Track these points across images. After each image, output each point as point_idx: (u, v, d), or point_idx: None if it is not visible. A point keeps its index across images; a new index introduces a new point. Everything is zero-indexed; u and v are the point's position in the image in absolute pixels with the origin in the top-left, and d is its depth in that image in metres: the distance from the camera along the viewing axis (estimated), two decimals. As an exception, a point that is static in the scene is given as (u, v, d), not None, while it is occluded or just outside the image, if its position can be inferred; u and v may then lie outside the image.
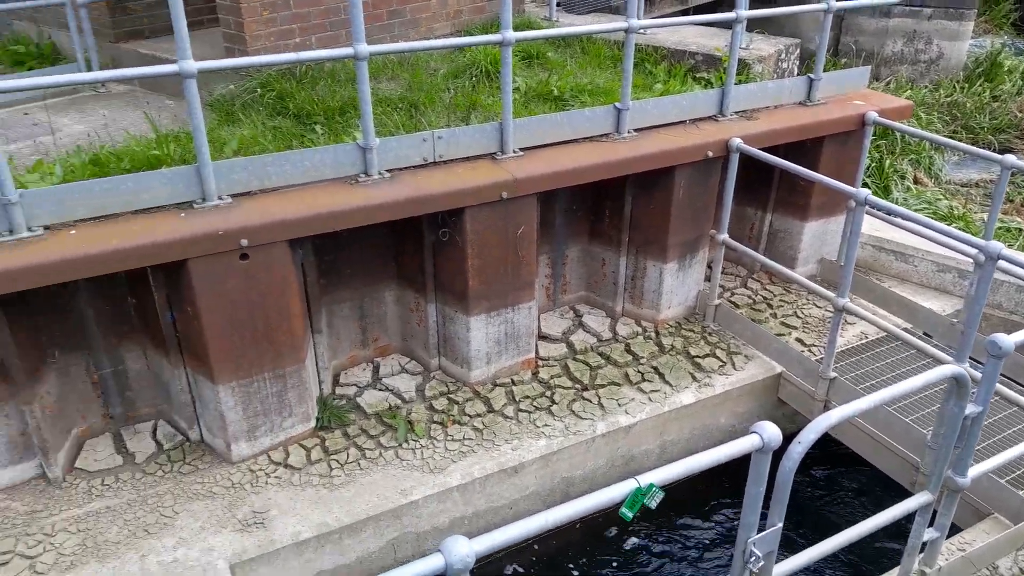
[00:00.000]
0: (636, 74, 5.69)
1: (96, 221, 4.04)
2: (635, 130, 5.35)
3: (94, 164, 4.48)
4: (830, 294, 5.06)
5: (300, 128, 5.13)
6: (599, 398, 5.26)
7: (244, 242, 4.10)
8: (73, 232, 3.92)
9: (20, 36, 7.60)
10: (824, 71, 5.98)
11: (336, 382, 5.35)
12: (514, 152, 4.91)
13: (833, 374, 5.11)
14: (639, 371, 5.52)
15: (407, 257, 5.13)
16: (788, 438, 2.72)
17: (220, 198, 4.23)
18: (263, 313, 4.38)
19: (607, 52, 6.89)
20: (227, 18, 5.65)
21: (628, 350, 5.70)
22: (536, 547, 5.12)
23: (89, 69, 6.20)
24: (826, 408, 5.18)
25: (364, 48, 4.17)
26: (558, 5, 8.11)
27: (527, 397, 5.27)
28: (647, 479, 2.48)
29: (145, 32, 6.76)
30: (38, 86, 3.87)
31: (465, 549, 2.12)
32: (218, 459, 4.75)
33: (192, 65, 3.77)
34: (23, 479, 4.53)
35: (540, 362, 5.57)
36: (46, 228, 3.92)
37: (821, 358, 5.30)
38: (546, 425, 5.06)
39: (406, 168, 4.71)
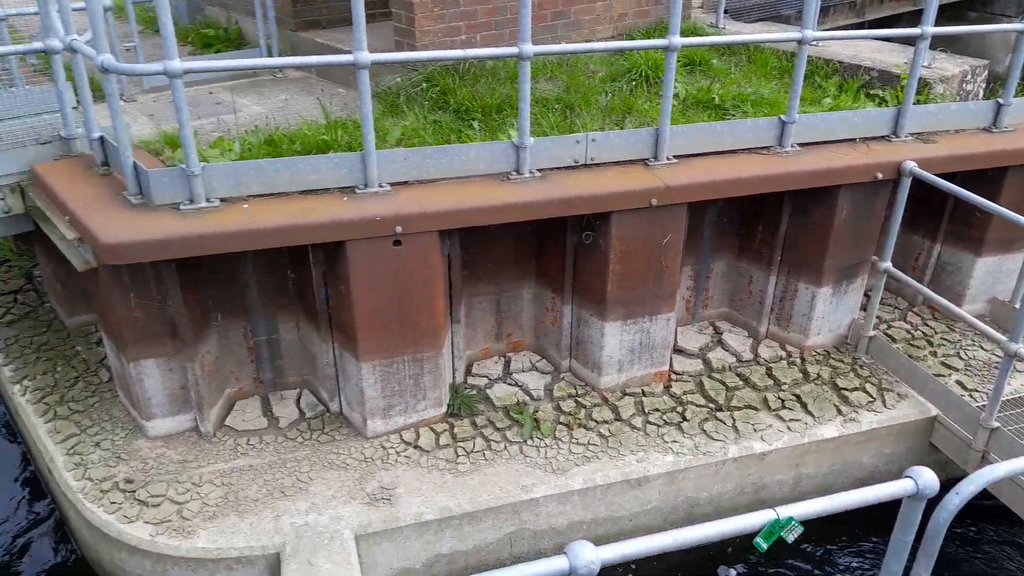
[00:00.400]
0: (804, 87, 5.44)
1: (267, 198, 4.31)
2: (799, 144, 5.12)
3: (269, 144, 4.77)
4: (1001, 337, 4.65)
5: (458, 123, 5.26)
6: (733, 420, 5.08)
7: (398, 229, 4.25)
8: (246, 206, 4.19)
9: (211, 21, 8.23)
10: (1015, 96, 5.50)
11: (468, 372, 5.46)
12: (668, 159, 4.82)
13: (996, 424, 4.69)
14: (779, 397, 5.28)
15: (548, 257, 5.15)
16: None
17: (380, 185, 4.40)
18: (409, 298, 4.53)
19: (774, 62, 6.64)
20: (399, 13, 5.88)
21: (769, 374, 5.47)
22: (634, 566, 4.96)
23: (270, 54, 6.62)
24: (984, 460, 4.77)
25: (529, 48, 4.21)
26: (725, 12, 7.90)
27: (657, 410, 5.16)
28: (787, 512, 2.37)
29: (323, 22, 7.14)
30: (226, 68, 4.16)
31: (591, 555, 2.10)
32: (353, 432, 4.96)
33: (366, 56, 3.94)
34: (179, 430, 4.91)
35: (674, 376, 5.45)
36: (222, 200, 4.22)
37: (983, 405, 4.88)
38: (674, 441, 4.94)
39: (557, 169, 4.73)
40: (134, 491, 4.49)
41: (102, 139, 4.50)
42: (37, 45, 4.52)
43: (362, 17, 3.85)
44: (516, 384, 5.36)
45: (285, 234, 4.11)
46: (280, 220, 4.10)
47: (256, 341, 5.01)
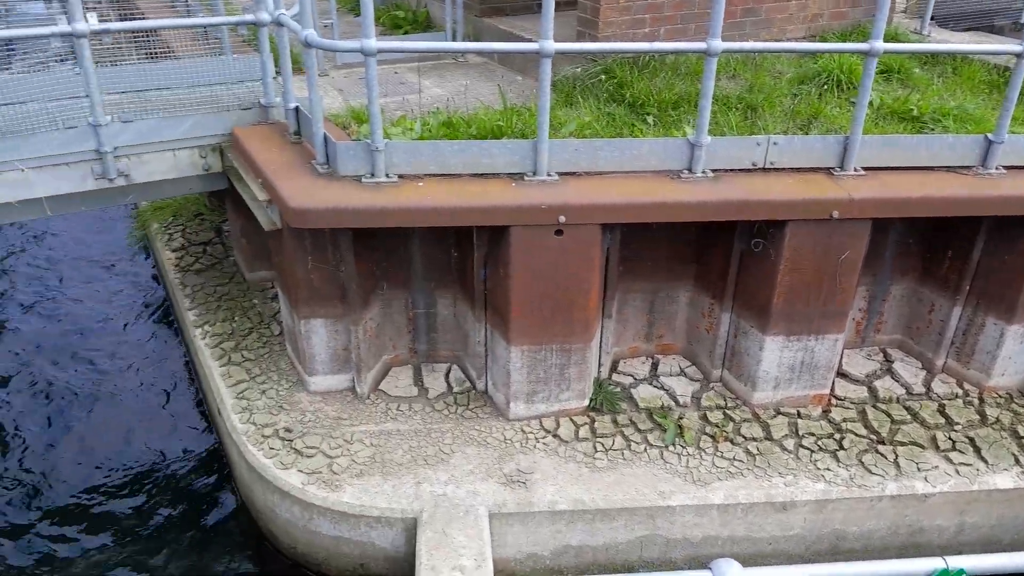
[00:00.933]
0: (1018, 105, 4.94)
1: (440, 178, 4.44)
2: (1004, 167, 4.66)
3: (447, 126, 4.92)
4: None
5: (632, 117, 5.19)
6: (896, 456, 4.73)
7: (562, 219, 4.26)
8: (421, 184, 4.35)
9: (401, 3, 8.58)
10: None
11: (614, 368, 5.41)
12: (855, 170, 4.53)
13: None
14: (950, 438, 4.87)
15: (711, 261, 4.99)
16: None
17: (549, 174, 4.42)
18: (564, 288, 4.54)
19: (983, 76, 6.08)
20: (584, 3, 5.87)
21: (941, 411, 5.05)
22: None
23: (455, 39, 6.81)
24: None
25: (718, 44, 4.08)
26: (932, 19, 7.31)
27: (812, 434, 4.90)
28: (957, 563, 2.17)
29: (506, 9, 7.26)
30: (416, 50, 4.32)
31: (738, 574, 2.01)
32: (496, 413, 5.05)
33: (551, 46, 3.95)
34: (337, 388, 5.20)
35: (834, 401, 5.14)
36: (400, 177, 4.39)
37: None
38: (828, 469, 4.67)
39: (732, 171, 4.56)
40: (291, 440, 4.79)
41: (297, 109, 4.80)
42: (248, 17, 4.88)
43: (551, 6, 3.86)
44: (662, 388, 5.26)
45: (455, 214, 4.23)
46: (452, 200, 4.21)
47: (415, 313, 5.20)
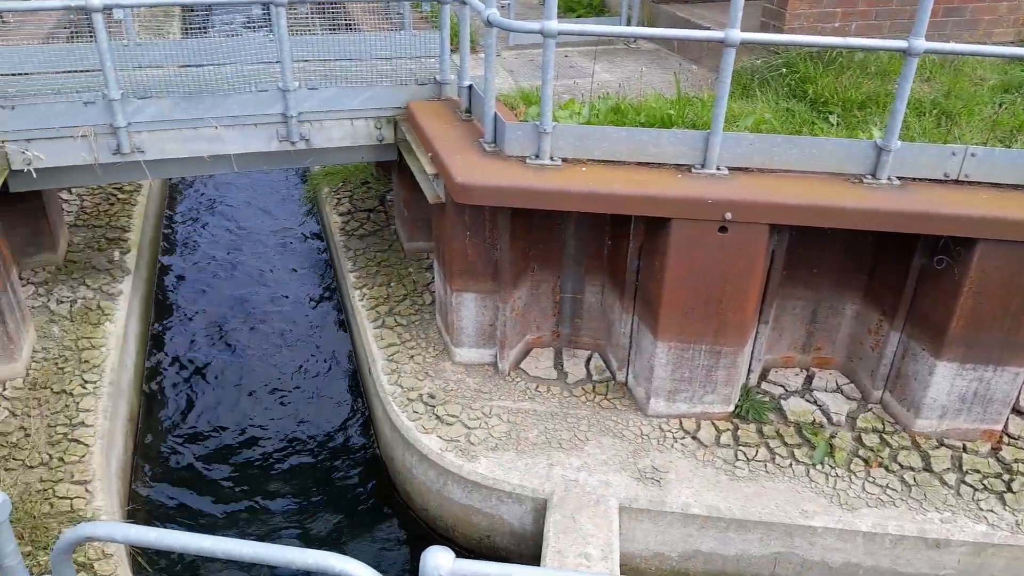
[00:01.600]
0: None
1: (604, 164, 4.40)
2: None
3: (615, 112, 4.86)
4: None
5: (813, 115, 4.93)
6: (1076, 508, 4.28)
7: (728, 215, 4.11)
8: (584, 169, 4.33)
9: (577, -14, 8.55)
10: None
11: (763, 377, 5.20)
12: (1064, 192, 4.10)
13: None
14: None
15: (884, 275, 4.67)
16: None
17: (718, 168, 4.28)
18: (721, 287, 4.39)
19: None
20: (771, -8, 5.62)
21: None
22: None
23: (629, 23, 6.72)
24: None
25: (920, 44, 3.78)
26: None
27: (977, 471, 4.51)
28: None
29: (686, -4, 7.08)
30: (596, 34, 4.28)
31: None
32: (634, 406, 4.98)
33: (737, 35, 3.81)
34: (480, 362, 5.30)
35: (1006, 439, 4.71)
36: (564, 160, 4.39)
37: None
38: (991, 511, 4.29)
39: (920, 180, 4.24)
40: (434, 407, 4.95)
41: (471, 88, 4.90)
42: (433, -6, 5.01)
43: (741, -7, 3.71)
44: (815, 403, 5.00)
45: (617, 202, 4.18)
46: (615, 188, 4.17)
47: (562, 297, 5.21)
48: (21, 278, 5.74)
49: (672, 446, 4.72)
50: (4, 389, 4.86)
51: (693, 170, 4.32)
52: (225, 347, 6.68)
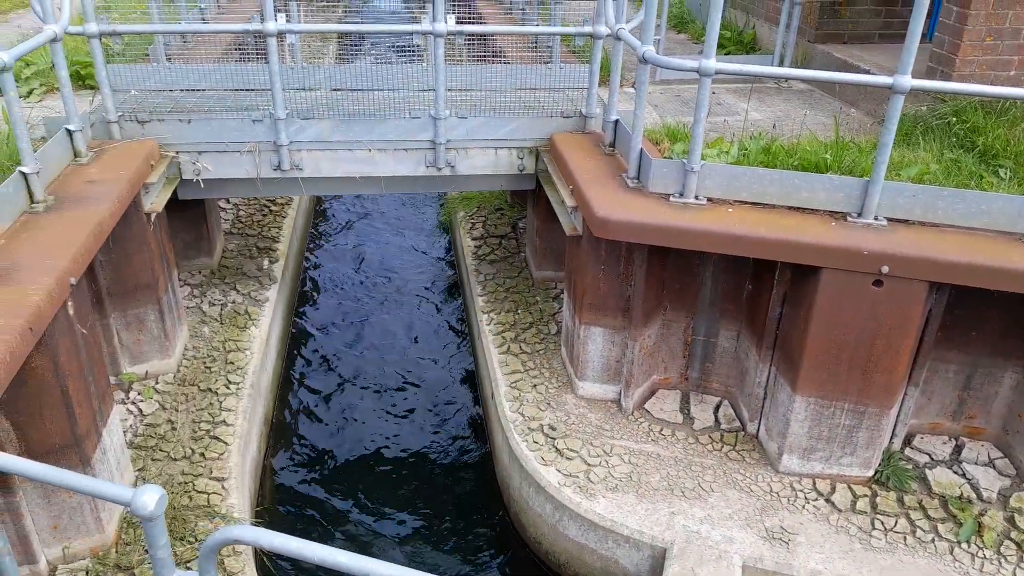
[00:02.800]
0: None
1: (751, 206, 4.27)
2: None
3: (765, 153, 4.72)
4: None
5: (982, 167, 4.60)
6: None
7: (885, 269, 3.89)
8: (731, 210, 4.21)
9: (727, 22, 8.41)
10: None
11: (908, 442, 4.85)
12: None
13: None
14: None
15: (1056, 345, 4.28)
16: None
17: (876, 218, 4.06)
18: (871, 344, 4.15)
19: None
20: (942, 37, 5.32)
21: None
22: None
23: (782, 63, 6.54)
24: None
25: (1120, 96, 3.46)
26: None
27: None
28: None
29: (844, 36, 6.82)
30: (754, 73, 4.16)
31: None
32: (764, 461, 4.76)
33: (908, 82, 3.61)
34: (603, 398, 5.23)
35: None
36: (709, 200, 4.29)
37: None
38: None
39: (1107, 245, 3.86)
40: (554, 439, 4.91)
41: (616, 122, 4.88)
42: (586, 29, 5.05)
43: (916, 39, 3.52)
44: (964, 475, 4.62)
45: (763, 246, 4.04)
46: (762, 232, 4.03)
47: (694, 339, 5.07)
48: (179, 280, 6.16)
49: (803, 507, 4.47)
50: (157, 383, 5.21)
51: (848, 218, 4.12)
52: (354, 358, 6.91)
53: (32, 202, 4.02)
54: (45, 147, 4.28)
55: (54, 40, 4.34)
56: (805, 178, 4.16)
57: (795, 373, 4.37)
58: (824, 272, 4.00)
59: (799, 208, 4.24)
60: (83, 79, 6.34)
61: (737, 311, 4.88)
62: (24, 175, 3.95)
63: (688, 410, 5.16)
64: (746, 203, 4.29)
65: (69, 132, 4.57)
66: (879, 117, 5.92)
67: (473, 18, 8.03)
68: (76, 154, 4.64)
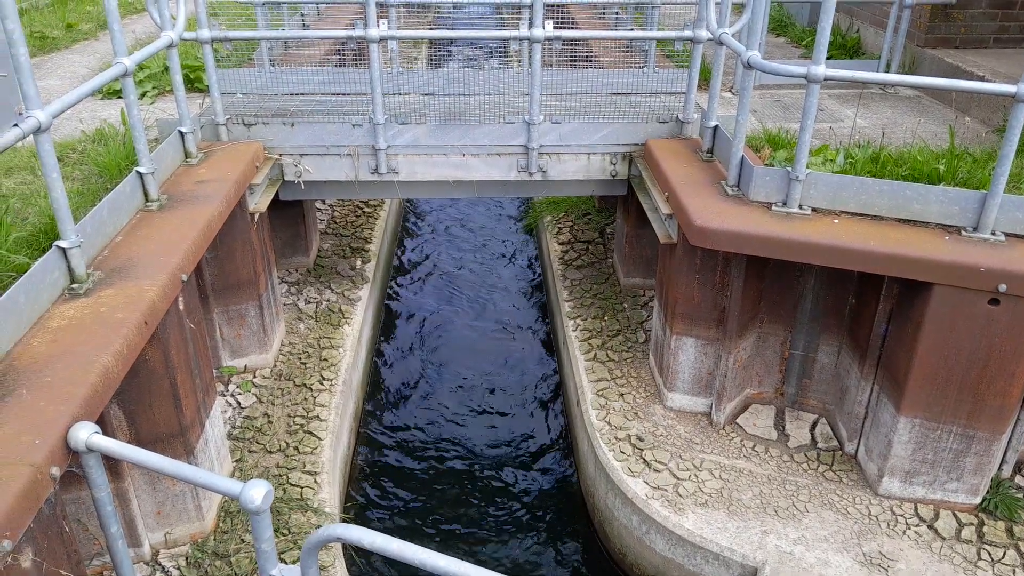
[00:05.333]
0: None
1: (857, 217, 4.10)
2: None
3: (873, 162, 4.53)
4: None
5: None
6: None
7: (1002, 287, 3.67)
8: (836, 221, 4.05)
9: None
10: None
11: (1019, 470, 4.57)
12: None
13: None
14: None
15: None
16: None
17: (994, 233, 3.84)
18: (983, 365, 3.93)
19: None
20: (1069, 40, 4.99)
21: None
22: None
23: (889, 67, 6.27)
24: None
25: None
26: None
27: None
28: None
29: (956, 41, 6.49)
30: (866, 80, 3.98)
31: None
32: (863, 483, 4.57)
33: (1037, 88, 3.40)
34: (693, 410, 5.12)
35: None
36: (813, 210, 4.14)
37: None
38: None
39: None
40: (642, 450, 4.83)
41: (715, 128, 4.78)
42: (686, 33, 4.96)
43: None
44: (1085, 509, 4.32)
45: (871, 260, 3.87)
46: (869, 244, 3.86)
47: (792, 353, 4.91)
48: (278, 277, 6.36)
49: (904, 532, 4.27)
50: (255, 377, 5.38)
51: (963, 232, 3.91)
52: (438, 358, 6.99)
53: (147, 201, 4.22)
54: (159, 149, 4.48)
55: (170, 46, 4.54)
56: (917, 189, 3.97)
57: (900, 393, 4.18)
58: (935, 289, 3.81)
59: (909, 220, 4.05)
60: (192, 82, 6.62)
61: (838, 326, 4.70)
62: (141, 175, 4.14)
63: (783, 427, 5.00)
64: (852, 214, 4.13)
65: (181, 134, 4.78)
66: (994, 125, 5.61)
67: (566, 22, 8.01)
68: (187, 155, 4.84)
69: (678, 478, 4.63)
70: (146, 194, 4.20)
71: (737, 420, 5.05)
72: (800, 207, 4.13)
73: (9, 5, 2.94)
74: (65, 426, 2.63)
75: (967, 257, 3.74)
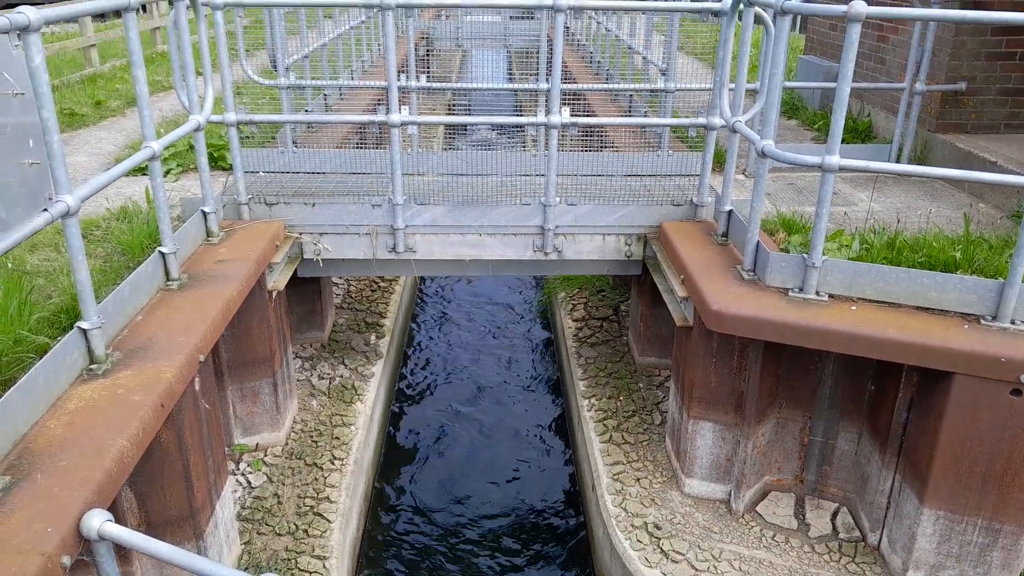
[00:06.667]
0: None
1: (875, 304, 4.09)
2: None
3: (888, 247, 4.54)
4: None
5: None
6: None
7: (1023, 378, 3.63)
8: (854, 308, 4.04)
9: (838, 110, 8.28)
10: None
11: (1050, 567, 4.42)
12: None
13: None
14: None
15: None
16: None
17: (1013, 322, 3.81)
18: (1007, 457, 3.84)
19: None
20: (1080, 129, 5.06)
21: None
22: None
23: (901, 152, 6.35)
24: None
25: None
26: None
27: None
28: None
29: (967, 126, 6.59)
30: (885, 171, 4.02)
31: None
32: (887, 574, 4.42)
33: (1052, 181, 3.43)
34: (711, 497, 5.01)
35: None
36: (831, 296, 4.14)
37: None
38: None
39: None
40: (659, 539, 4.71)
41: (730, 212, 4.83)
42: (700, 120, 5.06)
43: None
44: (1121, 609, 4.15)
45: (890, 348, 3.84)
46: (888, 332, 3.84)
47: (811, 440, 4.83)
48: (292, 353, 6.37)
49: (933, 631, 4.11)
50: (265, 456, 5.34)
51: (982, 321, 3.88)
52: (449, 436, 6.91)
53: (168, 280, 4.27)
54: (182, 228, 4.57)
55: (197, 129, 4.67)
56: (935, 278, 3.97)
57: (923, 484, 4.08)
58: (956, 379, 3.76)
59: (927, 308, 4.03)
60: (216, 160, 6.79)
61: (858, 412, 4.63)
62: (163, 255, 4.21)
63: (803, 515, 4.88)
64: (870, 301, 4.12)
65: (204, 214, 4.87)
66: (1009, 211, 5.64)
67: (580, 104, 8.20)
68: (209, 234, 4.93)
69: (697, 569, 4.50)
70: (167, 273, 4.26)
71: (756, 508, 4.93)
72: (817, 293, 4.13)
73: (46, 95, 3.05)
74: (78, 513, 2.60)
75: (987, 347, 3.70)
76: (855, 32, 3.56)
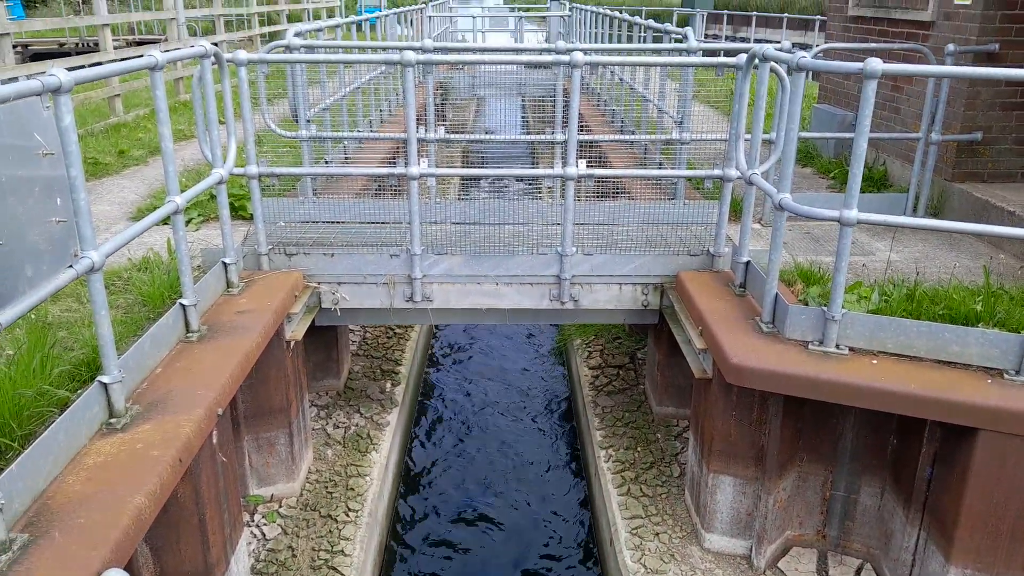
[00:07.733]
0: None
1: (896, 358, 4.05)
2: None
3: (908, 300, 4.51)
4: None
5: None
6: None
7: (1053, 434, 3.56)
8: (875, 362, 4.01)
9: (853, 158, 8.29)
10: None
11: (1085, 627, 4.28)
12: None
13: None
14: None
15: None
16: None
17: (1038, 377, 3.77)
18: (1038, 516, 3.76)
19: None
20: (1099, 180, 5.04)
21: None
22: None
23: (917, 202, 6.35)
24: None
25: None
26: None
27: None
28: None
29: (983, 175, 6.59)
30: (900, 225, 4.02)
31: None
32: (915, 638, 4.30)
33: (1073, 235, 3.41)
34: (731, 552, 4.91)
35: None
36: (851, 349, 4.10)
37: None
38: None
39: None
40: (679, 595, 4.62)
41: (748, 263, 4.82)
42: (716, 172, 5.09)
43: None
44: None
45: (911, 403, 3.79)
46: (910, 387, 3.80)
47: (833, 494, 4.74)
48: (308, 401, 6.37)
49: None
50: (280, 507, 5.30)
51: (1006, 376, 3.83)
52: (465, 485, 6.84)
53: (188, 332, 4.30)
54: (203, 280, 4.61)
55: (220, 182, 4.75)
56: (956, 331, 3.94)
57: (948, 541, 3.99)
58: (981, 434, 3.70)
59: (948, 362, 3.99)
60: (236, 209, 6.87)
61: (881, 467, 4.56)
62: (184, 307, 4.25)
63: (826, 571, 4.77)
64: (891, 354, 4.08)
65: (224, 265, 4.92)
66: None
67: (595, 154, 8.27)
68: (229, 284, 4.97)
69: (716, 628, 4.40)
70: (187, 325, 4.29)
71: (778, 564, 4.83)
72: (837, 347, 4.10)
73: (75, 154, 3.11)
74: (95, 572, 2.59)
75: (1012, 402, 3.65)
76: (871, 89, 3.59)
